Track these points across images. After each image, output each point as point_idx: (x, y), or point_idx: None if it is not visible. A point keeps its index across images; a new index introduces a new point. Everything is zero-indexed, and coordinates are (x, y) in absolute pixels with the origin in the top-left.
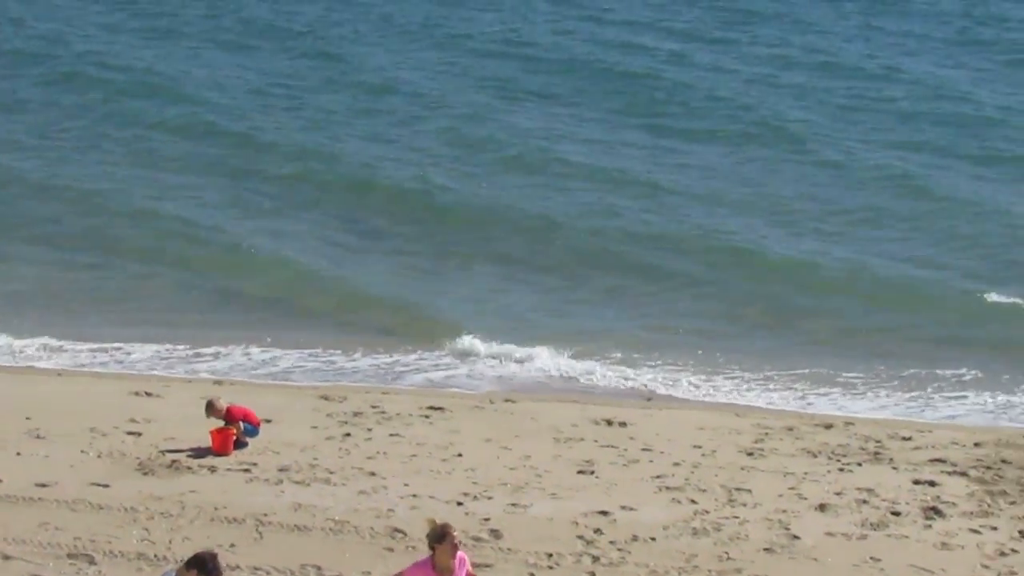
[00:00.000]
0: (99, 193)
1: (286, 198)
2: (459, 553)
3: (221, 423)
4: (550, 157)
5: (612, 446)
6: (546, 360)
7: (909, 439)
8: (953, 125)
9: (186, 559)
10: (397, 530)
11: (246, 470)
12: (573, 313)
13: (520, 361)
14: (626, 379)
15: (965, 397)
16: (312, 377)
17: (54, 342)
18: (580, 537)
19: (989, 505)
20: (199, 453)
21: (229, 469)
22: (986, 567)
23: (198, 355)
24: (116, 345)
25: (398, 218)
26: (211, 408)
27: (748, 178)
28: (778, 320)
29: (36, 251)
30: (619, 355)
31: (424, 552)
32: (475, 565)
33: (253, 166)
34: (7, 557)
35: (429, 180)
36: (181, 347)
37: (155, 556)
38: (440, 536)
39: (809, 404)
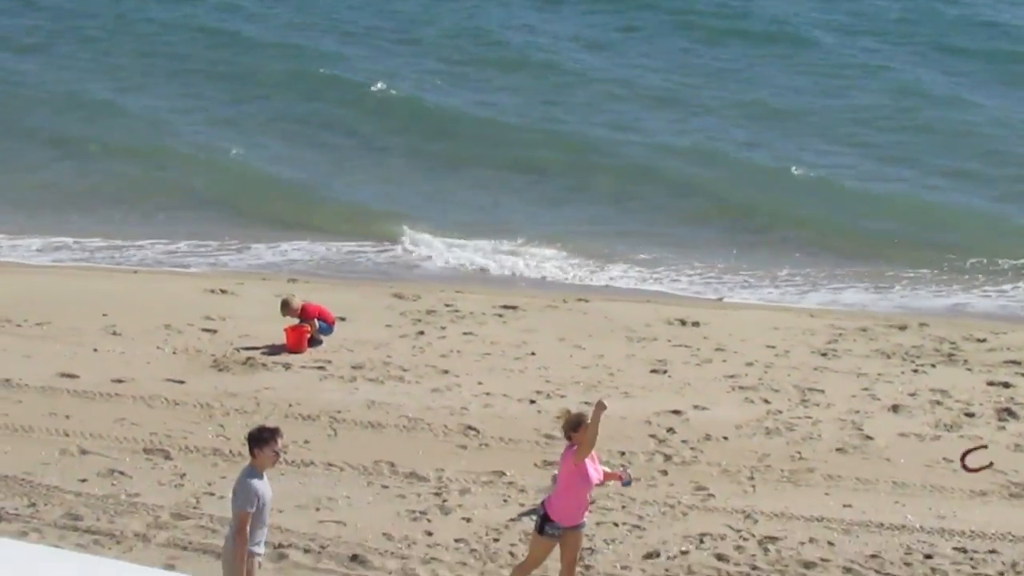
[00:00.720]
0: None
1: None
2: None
3: (296, 321)
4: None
5: (685, 345)
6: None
7: (984, 340)
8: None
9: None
10: (470, 428)
11: (320, 367)
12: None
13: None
14: (694, 282)
15: None
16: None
17: (116, 242)
18: (652, 436)
19: None
20: (274, 350)
21: (304, 366)
22: None
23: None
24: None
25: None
26: (286, 307)
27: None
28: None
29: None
30: (684, 259)
31: (494, 450)
32: (547, 463)
33: None
34: (84, 452)
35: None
36: (256, 245)
37: (230, 452)
38: (576, 424)
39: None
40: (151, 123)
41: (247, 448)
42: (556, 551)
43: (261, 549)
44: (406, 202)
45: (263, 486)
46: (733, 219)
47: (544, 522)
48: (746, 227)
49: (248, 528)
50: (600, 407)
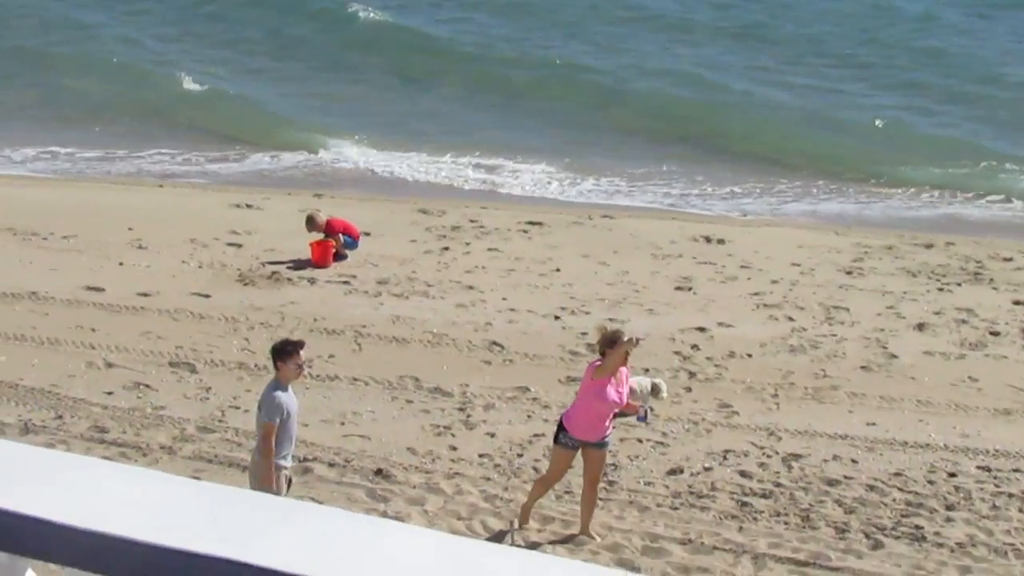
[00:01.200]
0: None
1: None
2: (623, 368)
3: (321, 236)
4: None
5: (710, 263)
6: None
7: (1010, 259)
8: None
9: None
10: (495, 343)
11: (345, 282)
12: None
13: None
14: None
15: None
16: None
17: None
18: (677, 353)
19: None
20: (299, 265)
21: (328, 281)
22: None
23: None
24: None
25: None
26: (311, 222)
27: None
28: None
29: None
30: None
31: (518, 365)
32: (570, 379)
33: None
34: (110, 365)
35: None
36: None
37: (255, 366)
38: (611, 341)
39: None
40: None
41: (271, 362)
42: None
43: (288, 462)
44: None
45: (288, 399)
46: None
47: (559, 431)
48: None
49: (273, 440)
50: (632, 343)
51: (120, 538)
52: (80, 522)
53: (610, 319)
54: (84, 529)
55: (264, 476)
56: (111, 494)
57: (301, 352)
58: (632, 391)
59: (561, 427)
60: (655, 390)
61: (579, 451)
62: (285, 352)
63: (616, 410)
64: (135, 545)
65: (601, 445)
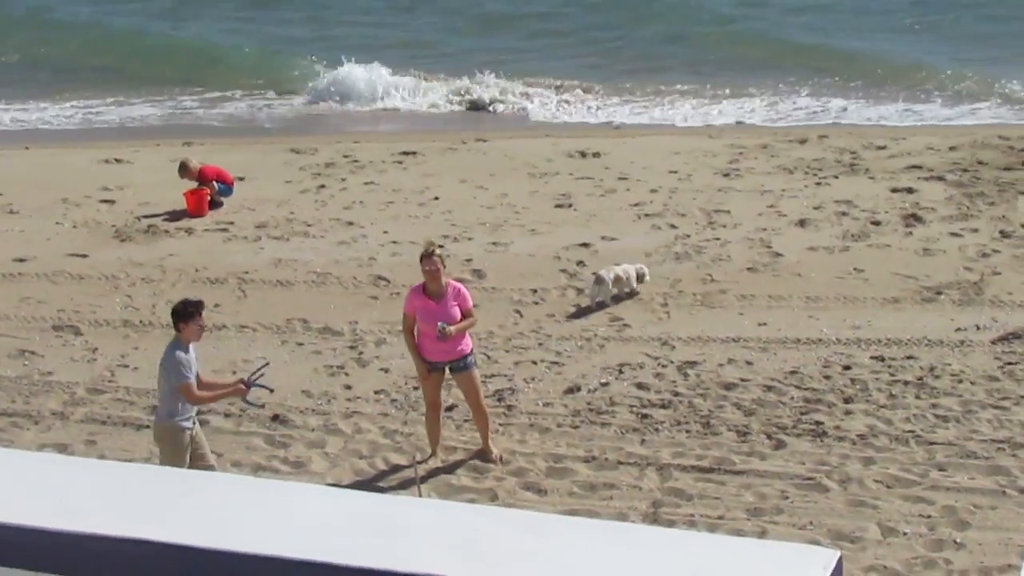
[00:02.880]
0: None
1: None
2: (454, 283)
3: (194, 184)
4: None
5: (588, 177)
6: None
7: (884, 148)
8: None
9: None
10: (380, 277)
11: (223, 230)
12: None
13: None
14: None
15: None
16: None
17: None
18: (563, 271)
19: (968, 208)
20: (175, 216)
21: (207, 230)
22: (968, 269)
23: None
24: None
25: None
26: (184, 169)
27: None
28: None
29: None
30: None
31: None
32: None
33: None
34: None
35: None
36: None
37: (140, 322)
38: (421, 257)
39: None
40: None
41: (172, 323)
42: None
43: (191, 424)
44: None
45: (191, 360)
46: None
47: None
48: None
49: (196, 396)
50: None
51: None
52: None
53: (493, 243)
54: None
55: (167, 438)
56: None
57: (202, 312)
58: (619, 278)
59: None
60: (640, 277)
61: (444, 373)
62: (187, 314)
63: (443, 326)
64: (39, 534)
65: (460, 367)
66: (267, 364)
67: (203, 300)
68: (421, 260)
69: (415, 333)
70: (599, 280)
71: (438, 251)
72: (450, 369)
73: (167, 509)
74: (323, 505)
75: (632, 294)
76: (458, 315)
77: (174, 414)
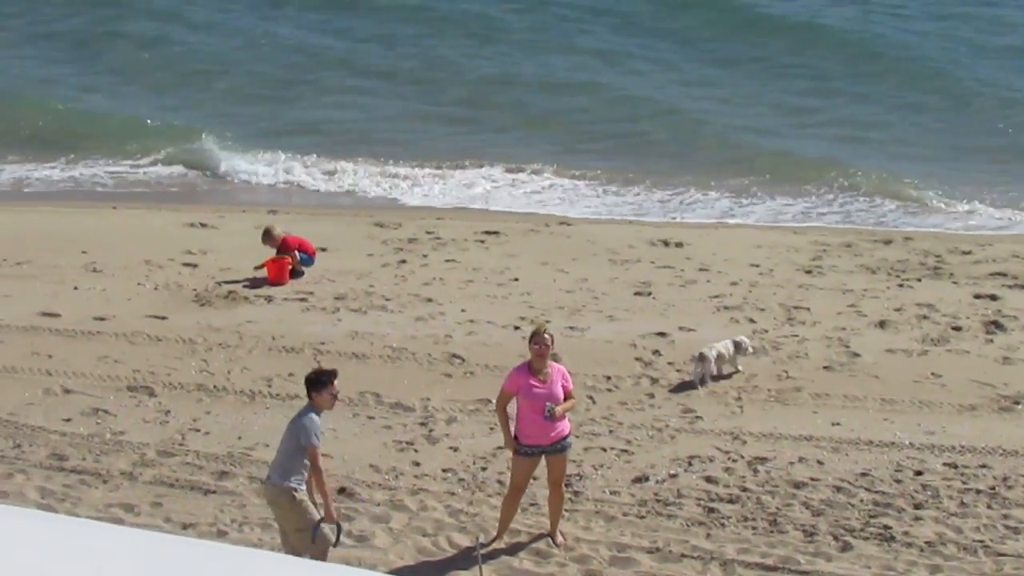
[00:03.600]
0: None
1: None
2: (557, 365)
3: (276, 252)
4: None
5: (669, 266)
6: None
7: (969, 253)
8: None
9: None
10: (455, 356)
11: (303, 299)
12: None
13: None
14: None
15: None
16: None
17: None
18: (638, 359)
19: None
20: (255, 283)
21: (286, 299)
22: None
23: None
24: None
25: None
26: (268, 235)
27: None
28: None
29: None
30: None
31: (480, 377)
32: None
33: None
34: (68, 391)
35: None
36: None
37: (214, 387)
38: (530, 337)
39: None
40: None
41: (305, 392)
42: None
43: (303, 486)
44: None
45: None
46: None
47: (515, 440)
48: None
49: (319, 467)
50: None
51: None
52: None
53: (570, 327)
54: None
55: (282, 502)
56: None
57: (335, 381)
58: (720, 356)
59: (515, 437)
60: (739, 348)
61: (541, 458)
62: (320, 383)
63: (547, 405)
64: None
65: (558, 448)
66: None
67: (336, 369)
68: (532, 338)
69: (508, 413)
70: (702, 358)
71: (546, 329)
72: (545, 453)
73: None
74: None
75: (733, 373)
76: (562, 395)
77: (289, 474)
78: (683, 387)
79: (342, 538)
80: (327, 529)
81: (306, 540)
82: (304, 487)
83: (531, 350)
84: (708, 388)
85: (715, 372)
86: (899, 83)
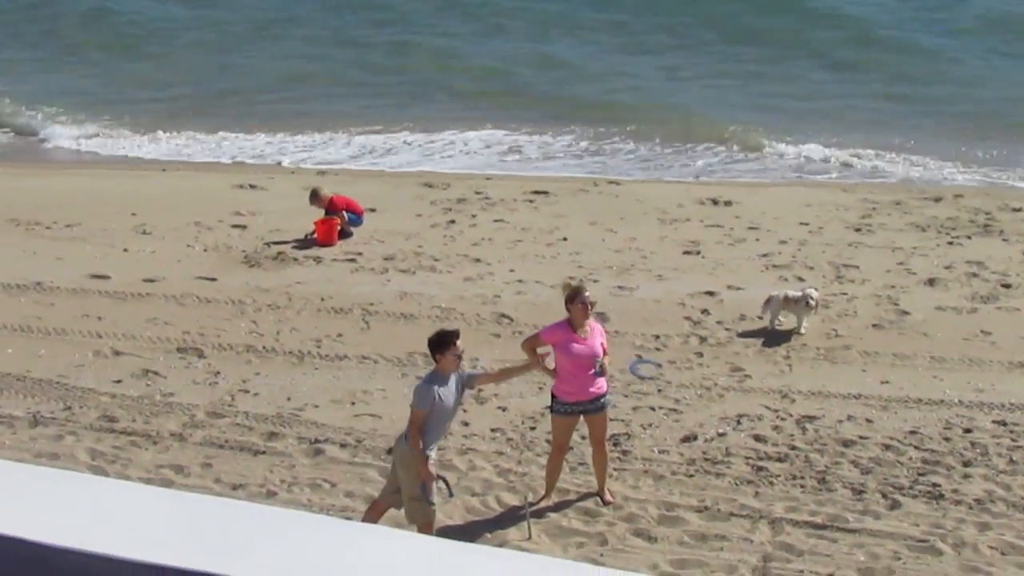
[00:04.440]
0: None
1: None
2: (594, 323)
3: (324, 213)
4: None
5: (718, 225)
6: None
7: (1020, 210)
8: None
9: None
10: (504, 315)
11: (351, 260)
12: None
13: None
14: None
15: None
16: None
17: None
18: (687, 318)
19: None
20: (304, 244)
21: (335, 259)
22: None
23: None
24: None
25: None
26: (315, 197)
27: None
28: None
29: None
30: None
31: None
32: None
33: None
34: (118, 353)
35: None
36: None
37: (263, 348)
38: (572, 296)
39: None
40: None
41: (429, 354)
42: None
43: (434, 453)
44: None
45: (446, 391)
46: None
47: (552, 399)
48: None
49: (418, 428)
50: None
51: (98, 556)
52: (55, 540)
53: (619, 286)
54: (60, 547)
55: (411, 464)
56: (86, 509)
57: (458, 342)
58: (789, 298)
59: (552, 395)
60: (805, 300)
61: (580, 416)
62: (444, 343)
63: (593, 364)
64: (113, 562)
65: (599, 406)
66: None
67: (458, 330)
68: (574, 297)
69: (548, 370)
70: (770, 300)
71: (586, 288)
72: (584, 411)
73: (241, 547)
74: (398, 551)
75: (793, 331)
76: (602, 352)
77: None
78: (731, 345)
79: (452, 490)
80: (436, 499)
81: (415, 508)
82: (433, 452)
83: (574, 310)
84: (757, 347)
85: (780, 318)
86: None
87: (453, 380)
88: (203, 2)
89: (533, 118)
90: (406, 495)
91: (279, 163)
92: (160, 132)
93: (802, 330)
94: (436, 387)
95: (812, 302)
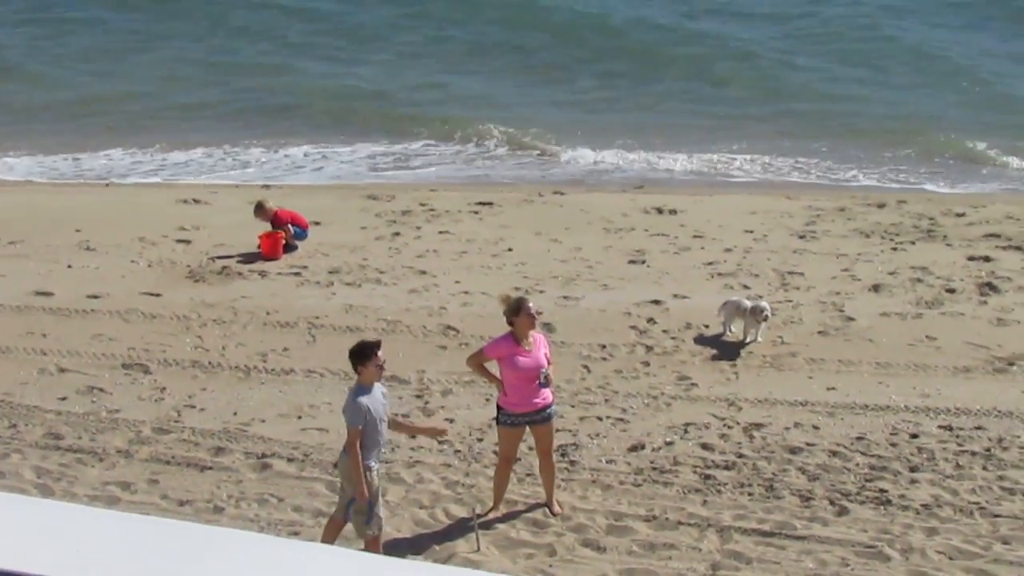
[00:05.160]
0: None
1: None
2: (537, 334)
3: (269, 226)
4: None
5: (663, 234)
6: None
7: (963, 215)
8: None
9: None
10: (450, 327)
11: (296, 273)
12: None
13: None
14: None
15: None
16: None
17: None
18: (633, 327)
19: None
20: (249, 258)
21: (280, 273)
22: None
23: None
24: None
25: None
26: (260, 209)
27: None
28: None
29: None
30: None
31: (475, 349)
32: None
33: None
34: (63, 370)
35: None
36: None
37: (209, 363)
38: (516, 308)
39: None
40: None
41: (351, 366)
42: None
43: (374, 463)
44: None
45: (373, 401)
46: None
47: (497, 411)
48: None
49: (358, 445)
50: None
51: None
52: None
53: (564, 296)
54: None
55: (356, 479)
56: (31, 531)
57: (379, 352)
58: (741, 308)
59: (498, 406)
60: (756, 312)
61: (526, 427)
62: (364, 354)
63: (538, 376)
64: None
65: (544, 416)
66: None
67: (380, 340)
68: (519, 309)
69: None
70: (724, 305)
71: (532, 304)
72: (531, 422)
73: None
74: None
75: (749, 341)
76: (546, 363)
77: (364, 450)
78: (678, 354)
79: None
80: (382, 514)
81: (360, 522)
82: (375, 463)
83: (520, 322)
84: (704, 355)
85: (731, 327)
86: None
87: (377, 389)
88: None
89: None
90: (352, 509)
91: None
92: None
93: (751, 339)
94: (363, 399)
95: (766, 314)
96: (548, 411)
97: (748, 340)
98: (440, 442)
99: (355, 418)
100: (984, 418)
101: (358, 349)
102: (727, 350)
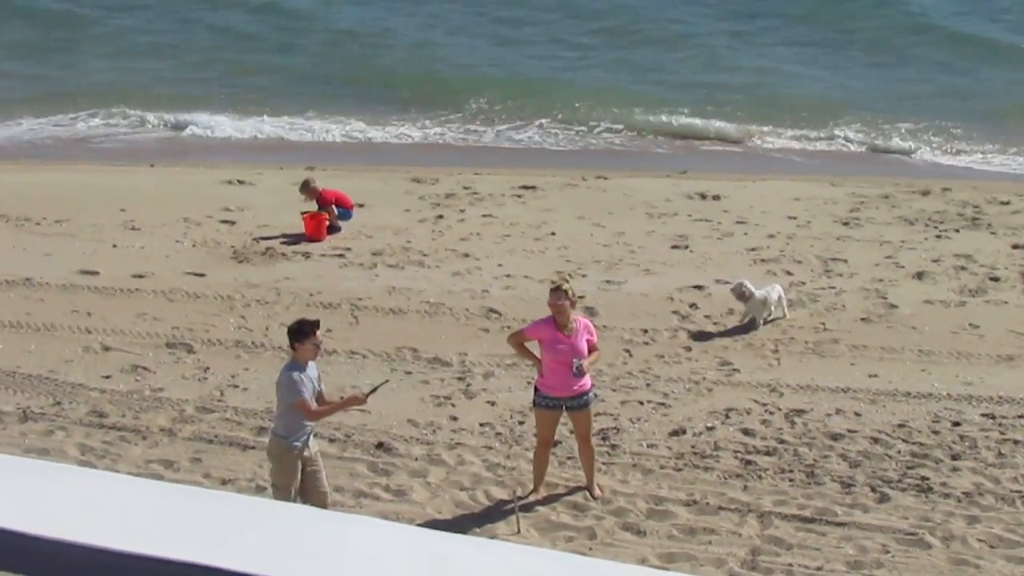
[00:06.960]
0: None
1: None
2: (581, 319)
3: (314, 206)
4: None
5: (706, 219)
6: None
7: (1008, 203)
8: None
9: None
10: (492, 310)
11: (340, 255)
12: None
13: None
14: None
15: None
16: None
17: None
18: (675, 312)
19: None
20: (293, 239)
21: (323, 254)
22: None
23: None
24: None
25: None
26: (306, 187)
27: None
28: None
29: None
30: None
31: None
32: None
33: None
34: (107, 348)
35: None
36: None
37: (252, 343)
38: (552, 289)
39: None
40: None
41: (288, 342)
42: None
43: (301, 444)
44: None
45: (307, 378)
46: None
47: (534, 392)
48: None
49: (313, 411)
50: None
51: (83, 546)
52: (40, 531)
53: (607, 281)
54: (45, 538)
55: (280, 456)
56: (71, 500)
57: (317, 332)
58: (761, 299)
59: (535, 388)
60: (765, 303)
61: (562, 410)
62: (302, 333)
63: (574, 361)
64: (99, 552)
65: (582, 403)
66: (387, 382)
67: (319, 320)
68: (551, 293)
69: (532, 360)
70: (747, 296)
71: (566, 286)
72: (568, 407)
73: (228, 537)
74: (383, 542)
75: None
76: (586, 349)
77: (287, 433)
78: (720, 339)
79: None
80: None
81: (279, 500)
82: (300, 444)
83: (550, 305)
84: (745, 341)
85: (767, 315)
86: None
87: (312, 367)
88: None
89: None
90: (272, 485)
91: None
92: None
93: (748, 321)
94: (298, 374)
95: (745, 291)
96: (585, 397)
97: (746, 321)
98: (481, 425)
99: (292, 391)
100: None
101: (296, 327)
102: (769, 335)
